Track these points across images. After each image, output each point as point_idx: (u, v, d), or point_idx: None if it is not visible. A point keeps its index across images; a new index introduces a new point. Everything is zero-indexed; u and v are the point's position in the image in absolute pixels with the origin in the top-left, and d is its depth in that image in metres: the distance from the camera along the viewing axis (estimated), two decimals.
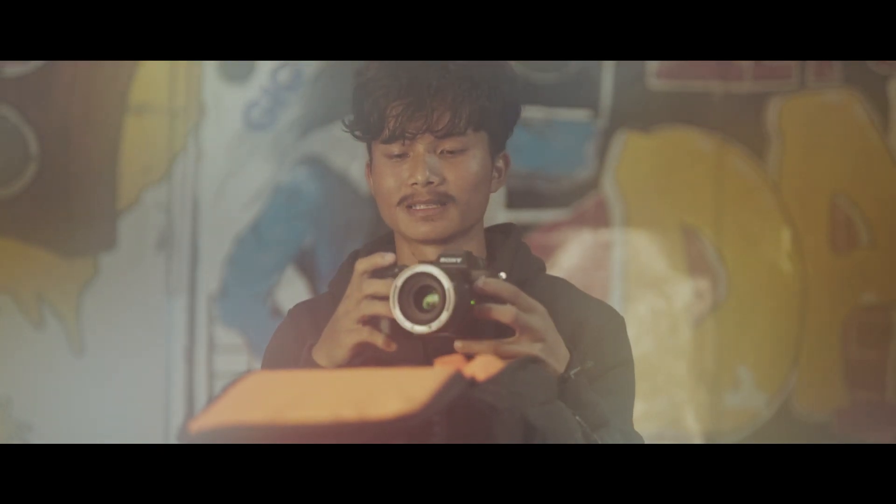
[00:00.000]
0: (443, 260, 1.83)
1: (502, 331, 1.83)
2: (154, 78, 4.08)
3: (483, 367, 1.62)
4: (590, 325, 2.05)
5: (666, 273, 4.18)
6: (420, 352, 1.95)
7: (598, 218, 4.17)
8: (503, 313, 1.81)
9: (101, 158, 4.07)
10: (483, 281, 1.82)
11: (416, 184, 2.01)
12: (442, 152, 2.02)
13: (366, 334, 1.84)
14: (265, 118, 4.11)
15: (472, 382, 1.57)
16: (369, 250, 2.11)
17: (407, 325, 1.80)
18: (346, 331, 1.87)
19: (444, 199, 2.02)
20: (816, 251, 4.19)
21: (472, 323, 1.81)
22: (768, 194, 4.18)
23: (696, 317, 4.17)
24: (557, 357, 1.86)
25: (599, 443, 1.85)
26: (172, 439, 3.92)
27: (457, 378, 1.55)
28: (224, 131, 4.10)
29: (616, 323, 2.10)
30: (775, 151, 4.18)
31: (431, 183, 2.01)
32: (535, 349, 1.83)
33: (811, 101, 4.19)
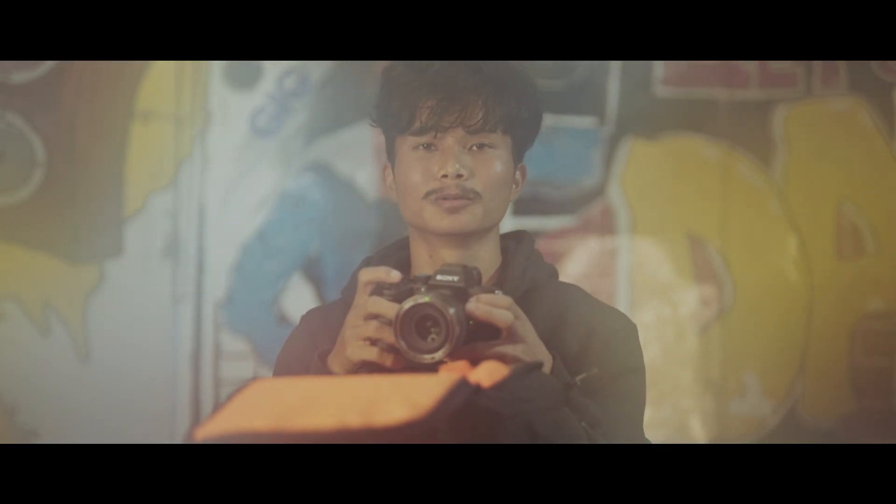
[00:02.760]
0: (440, 277, 1.86)
1: (488, 336, 1.86)
2: (160, 84, 4.08)
3: (488, 373, 1.62)
4: (601, 331, 2.06)
5: (672, 280, 4.18)
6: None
7: (604, 225, 4.17)
8: (502, 319, 1.84)
9: (108, 165, 4.07)
10: (477, 300, 1.84)
11: (445, 176, 2.03)
12: (471, 147, 2.04)
13: (374, 355, 1.86)
14: (271, 125, 4.12)
15: (477, 389, 1.57)
16: (381, 256, 2.12)
17: (410, 355, 1.83)
18: (353, 347, 1.88)
19: (470, 195, 2.04)
20: (822, 258, 4.18)
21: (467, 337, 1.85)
22: (774, 201, 4.18)
23: (702, 324, 4.17)
24: (537, 359, 1.87)
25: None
26: None
27: (462, 385, 1.55)
28: (230, 138, 4.11)
29: (627, 330, 2.10)
30: (781, 159, 4.18)
31: (461, 176, 2.03)
32: (517, 351, 1.86)
33: (817, 109, 4.19)
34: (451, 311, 1.82)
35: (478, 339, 1.86)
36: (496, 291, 1.87)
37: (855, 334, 4.17)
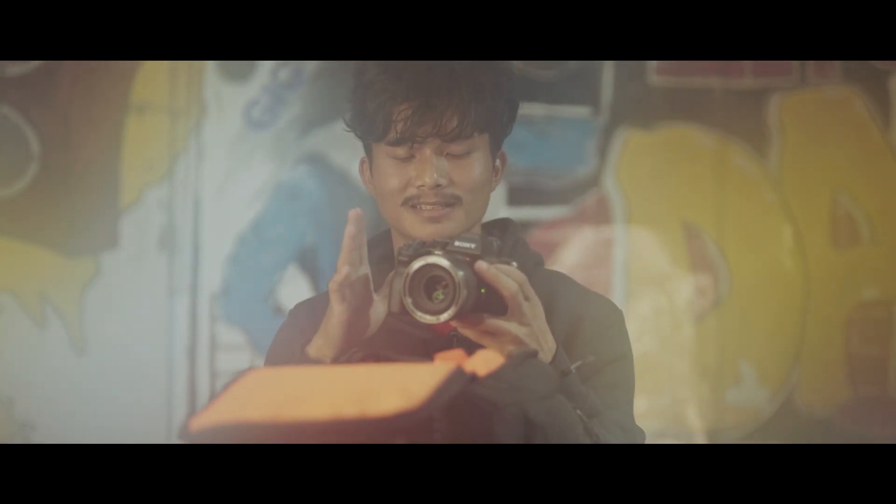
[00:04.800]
0: (458, 244, 1.86)
1: (498, 310, 1.86)
2: (155, 77, 4.08)
3: (483, 362, 1.62)
4: (589, 318, 2.06)
5: (667, 270, 4.18)
6: (421, 348, 1.97)
7: (600, 215, 4.17)
8: (507, 286, 1.84)
9: (103, 158, 4.07)
10: (489, 264, 1.84)
11: (423, 186, 2.02)
12: (447, 154, 2.03)
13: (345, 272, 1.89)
14: (266, 117, 4.11)
15: (473, 378, 1.57)
16: (368, 247, 2.11)
17: (417, 314, 1.83)
18: (333, 293, 1.91)
19: (451, 201, 2.03)
20: (818, 247, 4.19)
21: (475, 306, 1.85)
22: (769, 190, 4.18)
23: (697, 313, 4.17)
24: (542, 346, 1.88)
25: (599, 436, 1.85)
26: (174, 438, 3.92)
27: (457, 374, 1.54)
28: (225, 130, 4.11)
29: (615, 317, 2.10)
30: (776, 148, 4.19)
31: (439, 185, 2.01)
32: (521, 332, 1.86)
33: (812, 98, 4.19)
34: (461, 273, 1.81)
35: (486, 310, 1.85)
36: (513, 264, 1.88)
37: (850, 323, 4.18)
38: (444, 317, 1.82)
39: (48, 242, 4.04)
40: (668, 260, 4.19)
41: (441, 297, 1.82)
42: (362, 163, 2.13)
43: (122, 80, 4.07)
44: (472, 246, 1.86)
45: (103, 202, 4.06)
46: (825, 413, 4.16)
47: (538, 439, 1.59)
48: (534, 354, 1.71)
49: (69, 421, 3.99)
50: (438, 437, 1.51)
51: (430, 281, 1.83)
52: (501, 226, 2.15)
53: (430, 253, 1.85)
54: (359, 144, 2.14)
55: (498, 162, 2.11)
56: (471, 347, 1.82)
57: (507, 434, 1.56)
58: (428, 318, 1.83)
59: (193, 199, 4.09)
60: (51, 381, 4.03)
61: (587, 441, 1.82)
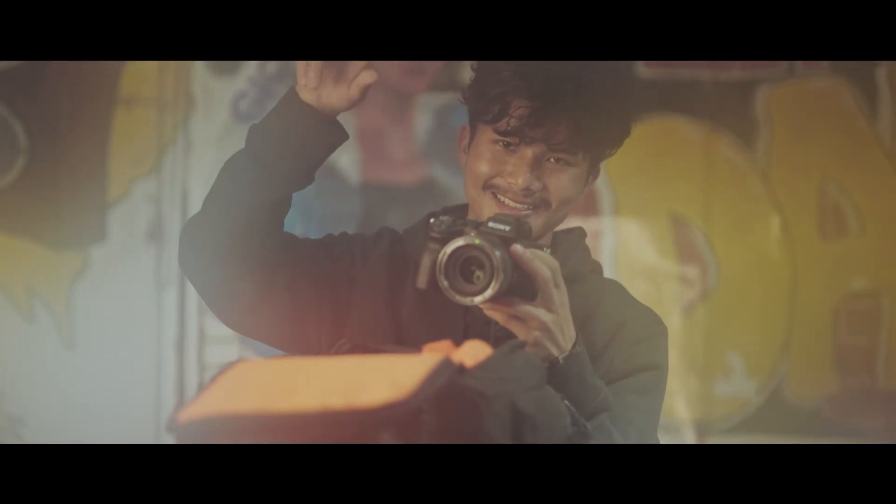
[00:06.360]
0: (491, 225, 1.85)
1: (526, 296, 1.86)
2: (143, 71, 4.07)
3: (471, 353, 1.62)
4: (631, 325, 2.07)
5: (655, 261, 4.19)
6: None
7: (588, 207, 4.18)
8: (542, 272, 1.84)
9: (91, 151, 4.06)
10: (524, 247, 1.84)
11: (513, 184, 2.01)
12: (547, 160, 2.02)
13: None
14: (254, 109, 4.11)
15: (461, 369, 1.57)
16: (446, 211, 2.12)
17: (452, 295, 1.82)
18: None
19: (536, 204, 2.03)
20: (806, 238, 4.19)
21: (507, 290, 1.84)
22: (757, 182, 4.19)
23: (685, 305, 4.18)
24: (564, 334, 1.88)
25: (588, 429, 1.86)
26: (163, 430, 3.92)
27: (445, 365, 1.54)
28: (213, 123, 4.10)
29: (657, 330, 2.11)
30: (764, 139, 4.19)
31: (529, 189, 2.01)
32: (548, 319, 1.86)
33: (800, 89, 4.20)
34: (498, 254, 1.80)
35: (515, 294, 1.84)
36: (545, 249, 1.88)
37: (838, 314, 4.19)
38: (479, 299, 1.80)
39: (36, 236, 4.04)
40: (656, 251, 4.19)
41: (480, 277, 1.81)
42: (463, 130, 2.11)
43: (110, 73, 4.07)
44: (507, 228, 1.84)
45: (91, 196, 4.06)
46: (813, 404, 4.17)
47: (527, 430, 1.59)
48: (522, 345, 1.71)
49: (58, 415, 3.99)
50: (427, 429, 1.51)
51: (467, 262, 1.81)
52: (568, 231, 2.16)
53: (463, 232, 1.84)
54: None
55: (590, 177, 2.11)
56: (508, 313, 1.85)
57: (496, 425, 1.56)
58: (465, 300, 1.81)
59: (181, 192, 4.09)
60: (39, 376, 4.03)
61: (574, 431, 1.82)
